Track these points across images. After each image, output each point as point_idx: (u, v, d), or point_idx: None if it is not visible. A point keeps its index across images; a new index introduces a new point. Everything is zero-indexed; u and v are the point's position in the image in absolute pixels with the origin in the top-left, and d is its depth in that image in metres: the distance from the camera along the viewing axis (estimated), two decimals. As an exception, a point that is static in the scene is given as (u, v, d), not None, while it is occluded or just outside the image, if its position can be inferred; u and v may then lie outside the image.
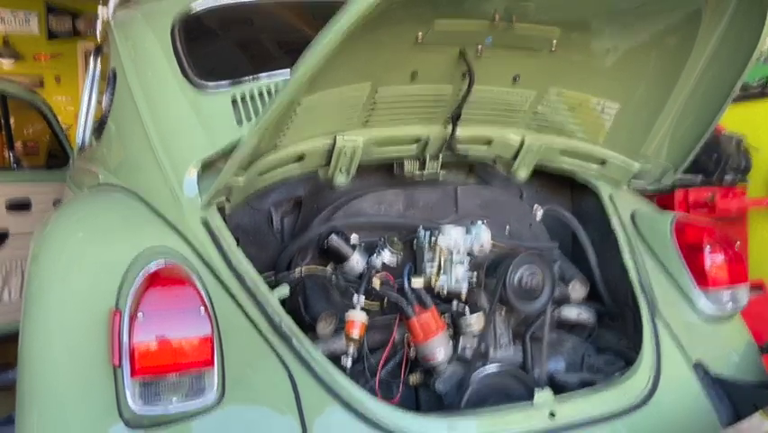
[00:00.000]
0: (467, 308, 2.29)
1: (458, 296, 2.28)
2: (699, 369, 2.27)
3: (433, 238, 2.30)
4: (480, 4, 1.89)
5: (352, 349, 2.14)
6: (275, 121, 1.86)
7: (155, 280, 1.81)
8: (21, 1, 8.99)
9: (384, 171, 2.55)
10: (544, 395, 2.08)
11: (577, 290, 2.49)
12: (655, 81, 2.30)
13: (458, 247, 2.26)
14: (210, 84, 2.32)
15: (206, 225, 2.03)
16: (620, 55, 2.19)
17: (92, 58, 3.70)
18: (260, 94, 2.29)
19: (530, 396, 2.08)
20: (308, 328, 2.10)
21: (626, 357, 2.35)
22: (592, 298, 2.55)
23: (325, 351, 2.11)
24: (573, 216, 2.60)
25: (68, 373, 1.78)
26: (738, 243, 2.56)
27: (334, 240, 2.28)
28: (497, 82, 2.24)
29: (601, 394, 2.14)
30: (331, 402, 1.89)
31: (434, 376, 2.22)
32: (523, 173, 2.60)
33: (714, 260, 2.44)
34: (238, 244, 2.06)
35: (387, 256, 2.28)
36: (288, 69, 1.94)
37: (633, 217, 2.62)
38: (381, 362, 2.20)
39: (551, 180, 2.76)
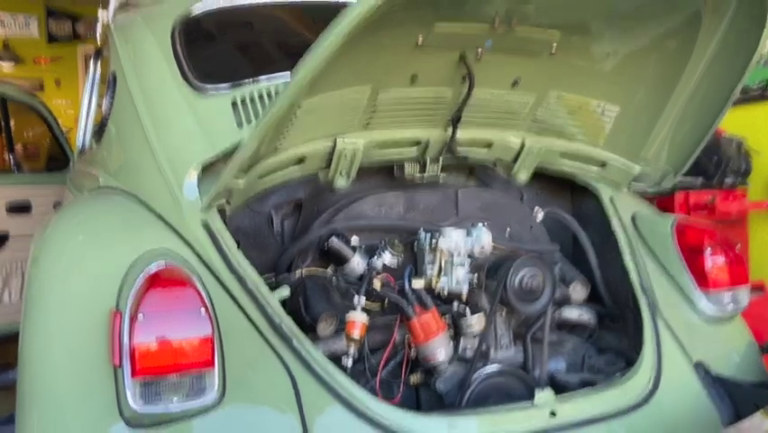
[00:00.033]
0: (468, 309, 2.29)
1: (459, 297, 2.28)
2: (700, 369, 2.28)
3: (433, 240, 2.30)
4: (480, 7, 1.89)
5: (352, 349, 2.14)
6: (275, 124, 1.86)
7: (155, 281, 1.81)
8: (21, 4, 9.00)
9: (384, 174, 2.55)
10: (544, 395, 2.08)
11: (578, 291, 2.49)
12: (655, 84, 2.30)
13: (459, 249, 2.26)
14: (210, 87, 2.33)
15: (207, 227, 2.03)
16: (620, 58, 2.19)
17: (92, 61, 3.71)
18: (261, 96, 2.30)
19: (531, 396, 2.08)
20: (309, 329, 2.10)
21: (627, 358, 2.36)
22: (593, 299, 2.55)
23: (326, 351, 2.11)
24: (574, 219, 2.60)
25: (68, 373, 1.79)
26: (739, 245, 2.56)
27: (335, 242, 2.28)
28: (497, 85, 2.24)
29: (602, 394, 2.14)
30: (331, 402, 1.89)
31: (435, 376, 2.22)
32: (523, 176, 2.60)
33: (715, 262, 2.45)
34: (238, 247, 2.06)
35: (387, 258, 2.29)
36: (289, 72, 1.94)
37: (633, 220, 2.62)
38: (382, 362, 2.21)
39: (551, 183, 2.76)
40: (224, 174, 1.94)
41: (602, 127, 2.46)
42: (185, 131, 2.26)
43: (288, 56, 2.23)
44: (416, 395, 2.31)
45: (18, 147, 5.22)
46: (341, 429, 1.88)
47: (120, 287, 1.80)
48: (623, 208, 2.63)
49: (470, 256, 2.29)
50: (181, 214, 2.07)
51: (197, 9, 2.63)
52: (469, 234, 2.30)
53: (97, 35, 3.25)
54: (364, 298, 2.17)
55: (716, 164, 4.30)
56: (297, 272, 2.28)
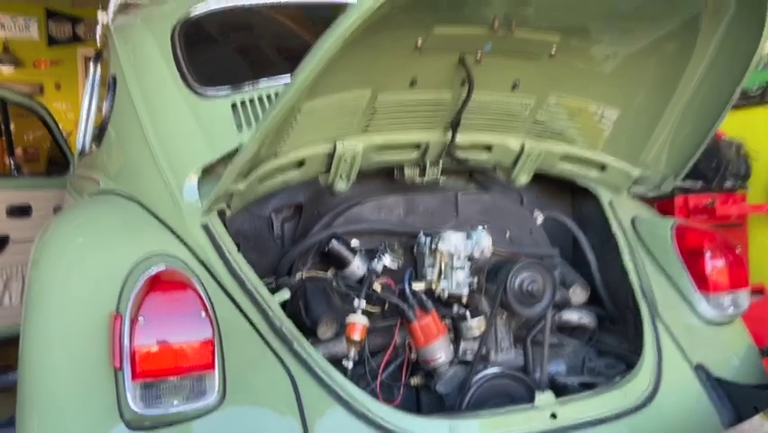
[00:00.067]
0: (468, 312, 2.29)
1: (459, 300, 2.28)
2: (701, 371, 2.28)
3: (433, 243, 2.30)
4: (479, 9, 1.89)
5: (352, 352, 2.14)
6: (275, 127, 1.86)
7: (156, 284, 1.81)
8: (20, 7, 8.99)
9: (384, 177, 2.55)
10: (545, 397, 2.09)
11: (578, 294, 2.50)
12: (655, 87, 2.30)
13: (459, 252, 2.26)
14: (210, 89, 2.33)
15: (207, 230, 2.04)
16: (620, 61, 2.19)
17: (92, 63, 3.71)
18: (260, 99, 2.30)
19: (531, 398, 2.09)
20: (309, 332, 2.10)
21: (627, 360, 2.36)
22: (593, 302, 2.56)
23: (326, 354, 2.12)
24: (574, 222, 2.60)
25: (68, 376, 1.79)
26: (739, 248, 2.56)
27: (335, 245, 2.27)
28: (496, 88, 2.24)
29: (603, 396, 2.15)
30: (332, 404, 1.89)
31: (436, 378, 2.22)
32: (523, 179, 2.60)
33: (715, 265, 2.45)
34: (238, 250, 2.07)
35: (387, 261, 2.29)
36: (289, 75, 1.94)
37: (633, 223, 2.62)
38: (383, 364, 2.21)
39: (551, 186, 2.76)
40: (223, 178, 1.93)
41: (602, 130, 2.46)
42: (185, 133, 2.26)
43: (288, 58, 2.24)
44: (416, 397, 2.32)
45: (18, 150, 5.22)
46: (341, 431, 1.88)
47: (120, 290, 1.81)
48: (623, 211, 2.63)
49: (470, 259, 2.29)
50: (181, 217, 2.07)
51: (197, 11, 2.63)
52: (469, 237, 2.30)
53: (97, 37, 3.25)
54: (364, 301, 2.17)
55: (715, 167, 4.30)
56: (298, 275, 2.28)
